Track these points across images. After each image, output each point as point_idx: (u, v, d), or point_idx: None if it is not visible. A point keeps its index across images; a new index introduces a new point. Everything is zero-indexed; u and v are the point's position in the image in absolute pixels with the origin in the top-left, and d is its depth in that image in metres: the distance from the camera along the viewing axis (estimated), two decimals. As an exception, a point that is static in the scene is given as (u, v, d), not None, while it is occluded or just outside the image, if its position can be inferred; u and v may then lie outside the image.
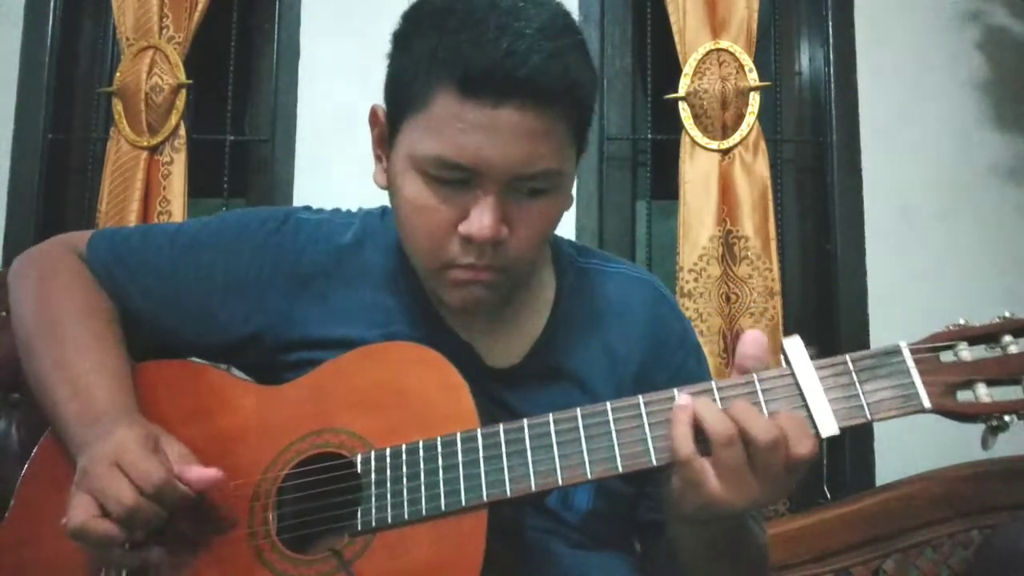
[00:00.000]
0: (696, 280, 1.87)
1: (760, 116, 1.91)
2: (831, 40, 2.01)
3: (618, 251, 2.04)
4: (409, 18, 0.86)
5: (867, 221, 1.95)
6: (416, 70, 0.82)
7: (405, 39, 0.85)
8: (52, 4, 2.08)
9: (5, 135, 2.04)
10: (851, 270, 1.93)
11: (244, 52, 2.14)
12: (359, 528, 0.80)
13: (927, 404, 0.73)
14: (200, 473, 0.82)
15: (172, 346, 0.99)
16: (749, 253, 1.86)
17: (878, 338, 1.90)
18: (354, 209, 1.06)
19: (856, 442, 1.89)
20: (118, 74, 2.01)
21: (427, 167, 0.82)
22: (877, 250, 1.94)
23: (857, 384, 0.73)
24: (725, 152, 1.90)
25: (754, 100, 1.90)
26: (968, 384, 0.73)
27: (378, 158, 0.92)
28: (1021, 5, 1.95)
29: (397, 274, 0.96)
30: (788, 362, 0.75)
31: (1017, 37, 1.98)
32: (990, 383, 0.73)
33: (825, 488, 1.90)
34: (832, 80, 2.00)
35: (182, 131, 1.98)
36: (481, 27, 0.78)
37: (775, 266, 1.87)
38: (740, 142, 1.89)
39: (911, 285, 1.91)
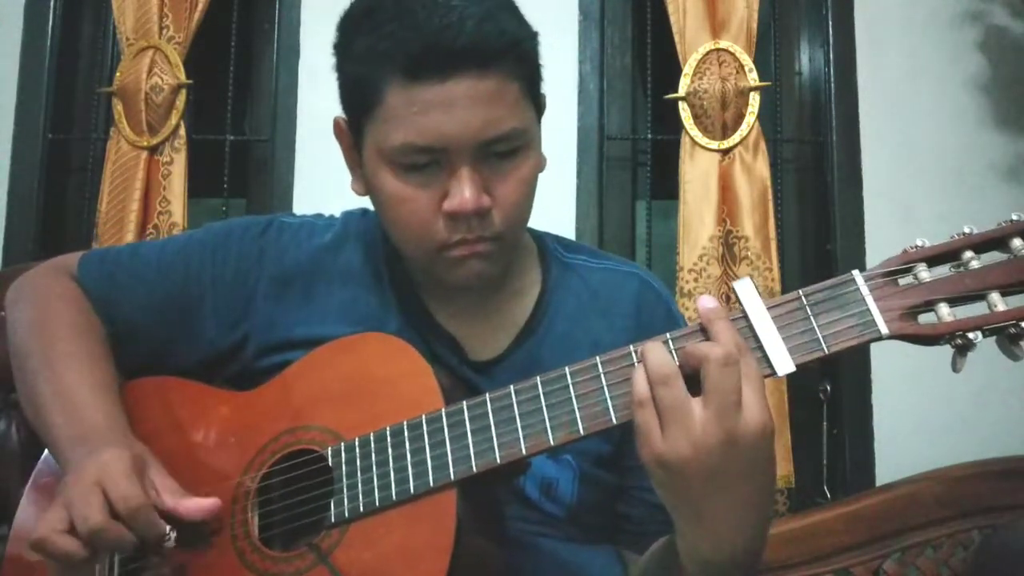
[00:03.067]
0: (696, 280, 1.87)
1: (760, 116, 1.91)
2: (831, 40, 2.01)
3: (618, 251, 2.04)
4: (342, 26, 0.90)
5: (867, 221, 1.95)
6: (362, 70, 0.85)
7: (344, 46, 0.89)
8: (52, 4, 2.07)
9: (5, 135, 2.04)
10: (851, 270, 1.93)
11: (244, 52, 2.14)
12: (333, 520, 0.80)
13: (884, 330, 0.70)
14: (198, 504, 0.81)
15: (164, 360, 0.99)
16: (749, 253, 1.86)
17: (878, 338, 1.90)
18: (353, 208, 1.07)
19: (856, 442, 1.89)
20: (118, 74, 2.01)
21: (396, 158, 0.84)
22: (877, 250, 1.94)
23: (811, 318, 0.72)
24: (725, 152, 1.90)
25: (754, 100, 1.90)
26: (929, 305, 0.70)
27: (351, 168, 0.94)
28: (1021, 5, 1.95)
29: (380, 270, 0.98)
30: (740, 304, 0.73)
31: (1017, 37, 1.98)
32: (953, 302, 0.70)
33: (825, 488, 1.90)
34: (832, 80, 2.00)
35: (182, 131, 1.98)
36: (410, 12, 0.81)
37: (775, 266, 1.87)
38: (740, 142, 1.89)
39: (911, 285, 1.91)
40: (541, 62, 0.90)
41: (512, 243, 0.91)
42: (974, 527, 1.65)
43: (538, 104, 0.91)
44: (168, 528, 0.79)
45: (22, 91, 2.06)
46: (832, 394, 1.93)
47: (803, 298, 0.73)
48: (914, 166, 1.97)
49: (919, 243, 0.73)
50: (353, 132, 0.91)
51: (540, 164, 0.91)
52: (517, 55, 0.84)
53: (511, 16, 0.86)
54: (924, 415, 1.83)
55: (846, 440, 1.89)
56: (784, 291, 1.88)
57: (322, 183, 1.98)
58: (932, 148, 1.97)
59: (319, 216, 1.06)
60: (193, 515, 0.81)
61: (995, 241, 0.71)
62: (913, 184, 1.96)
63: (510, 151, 0.85)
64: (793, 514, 1.75)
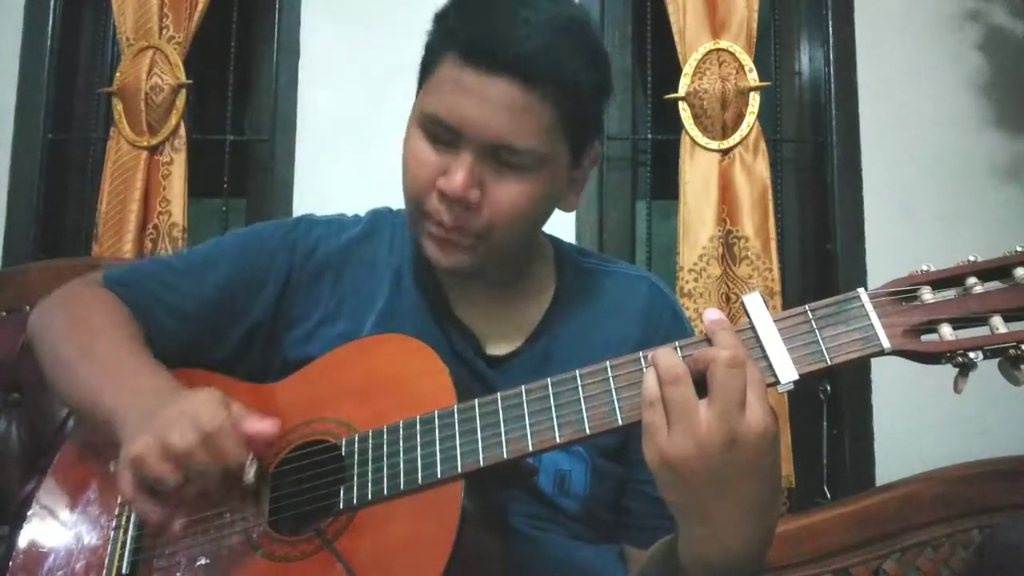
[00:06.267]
0: (696, 280, 1.87)
1: (760, 116, 1.91)
2: (831, 40, 2.01)
3: (618, 251, 2.04)
4: (448, 1, 0.95)
5: (867, 221, 1.95)
6: (435, 37, 0.93)
7: (441, 13, 0.94)
8: (52, 4, 2.08)
9: (5, 135, 2.04)
10: (851, 270, 1.93)
11: (244, 52, 2.14)
12: (341, 507, 0.82)
13: (887, 345, 0.72)
14: (269, 423, 0.84)
15: (192, 358, 1.02)
16: (749, 253, 1.86)
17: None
18: (355, 209, 1.11)
19: (856, 442, 1.89)
20: (118, 74, 2.01)
21: (425, 122, 0.90)
22: (877, 250, 1.94)
23: (816, 331, 0.73)
24: (725, 152, 1.90)
25: (754, 100, 1.90)
26: (931, 325, 0.72)
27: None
28: (1021, 5, 1.95)
29: (406, 264, 1.02)
30: (748, 317, 0.75)
31: (1017, 37, 1.98)
32: (955, 323, 0.71)
33: (825, 488, 1.90)
34: (832, 80, 2.00)
35: (182, 131, 1.98)
36: (493, 9, 0.88)
37: (775, 266, 1.86)
38: (740, 142, 1.89)
39: (911, 285, 1.91)
40: (594, 109, 0.94)
41: (495, 248, 0.92)
42: (974, 527, 1.65)
43: (576, 146, 0.93)
44: (250, 458, 0.82)
45: (22, 91, 2.06)
46: (832, 394, 1.93)
47: (809, 312, 0.75)
48: (914, 166, 1.97)
49: (924, 267, 0.75)
50: (417, 88, 0.96)
51: (555, 195, 0.95)
52: (563, 88, 0.87)
53: (580, 58, 0.88)
54: (924, 415, 1.83)
55: (846, 440, 1.89)
56: (784, 291, 1.89)
57: (322, 183, 1.99)
58: (932, 148, 1.97)
59: (343, 215, 1.10)
60: (269, 432, 0.83)
61: (999, 270, 0.73)
62: (913, 184, 1.96)
63: (519, 165, 0.89)
64: (793, 514, 1.74)
